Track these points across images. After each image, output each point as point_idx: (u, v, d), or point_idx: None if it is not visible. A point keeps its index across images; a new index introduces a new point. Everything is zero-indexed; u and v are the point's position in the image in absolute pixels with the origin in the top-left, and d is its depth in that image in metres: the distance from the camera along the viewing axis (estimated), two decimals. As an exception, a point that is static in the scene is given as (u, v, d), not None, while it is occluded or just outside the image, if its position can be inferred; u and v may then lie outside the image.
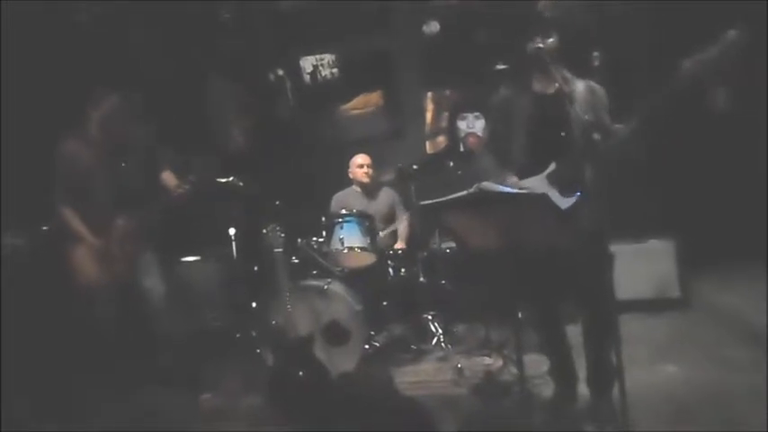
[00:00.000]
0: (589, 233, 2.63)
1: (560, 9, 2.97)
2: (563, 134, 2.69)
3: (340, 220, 4.30)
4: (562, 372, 3.16)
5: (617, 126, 2.68)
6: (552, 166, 2.78)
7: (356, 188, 4.94)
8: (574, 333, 3.12)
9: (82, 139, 3.78)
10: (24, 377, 3.89)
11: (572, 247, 2.57)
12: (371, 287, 4.35)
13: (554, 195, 2.56)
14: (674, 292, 4.58)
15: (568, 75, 2.89)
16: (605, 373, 2.93)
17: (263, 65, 5.90)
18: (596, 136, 2.57)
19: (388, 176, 4.82)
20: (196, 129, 5.46)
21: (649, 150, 4.00)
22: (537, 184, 2.79)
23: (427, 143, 5.92)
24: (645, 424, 2.85)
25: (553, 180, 2.71)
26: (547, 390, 3.27)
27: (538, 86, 2.90)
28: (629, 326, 3.68)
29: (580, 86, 2.87)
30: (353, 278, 4.28)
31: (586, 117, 2.66)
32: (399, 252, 4.59)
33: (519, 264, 2.60)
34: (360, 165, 4.88)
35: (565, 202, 2.62)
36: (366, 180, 4.86)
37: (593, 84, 2.92)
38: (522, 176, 2.87)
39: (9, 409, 3.62)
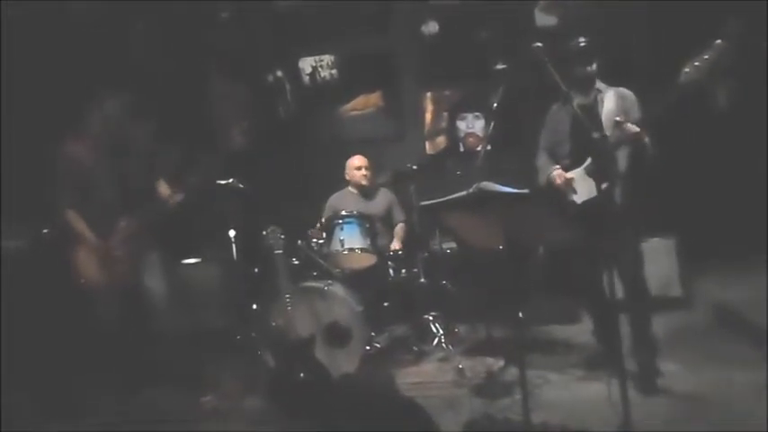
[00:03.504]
0: (620, 217, 3.22)
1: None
2: (597, 134, 3.08)
3: (340, 221, 4.29)
4: (602, 333, 3.66)
5: (629, 125, 3.16)
6: (588, 161, 3.32)
7: (352, 189, 4.90)
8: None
9: (83, 141, 3.78)
10: (25, 379, 3.89)
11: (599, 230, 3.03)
12: (372, 288, 4.35)
13: (590, 184, 3.08)
14: (676, 291, 4.57)
15: (602, 84, 3.44)
16: (647, 347, 3.39)
17: (262, 66, 5.90)
18: (623, 134, 3.16)
19: (386, 178, 4.81)
20: (196, 130, 5.46)
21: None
22: (578, 175, 3.42)
23: (427, 144, 5.91)
24: (646, 422, 2.85)
25: (590, 172, 3.22)
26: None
27: (579, 98, 3.36)
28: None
29: (610, 93, 3.40)
30: (354, 279, 4.28)
31: (617, 119, 3.20)
32: (400, 253, 4.58)
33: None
34: (357, 167, 4.83)
35: (597, 190, 3.04)
36: (365, 183, 4.83)
37: (622, 90, 3.42)
38: (566, 169, 3.48)
39: (9, 410, 3.62)
